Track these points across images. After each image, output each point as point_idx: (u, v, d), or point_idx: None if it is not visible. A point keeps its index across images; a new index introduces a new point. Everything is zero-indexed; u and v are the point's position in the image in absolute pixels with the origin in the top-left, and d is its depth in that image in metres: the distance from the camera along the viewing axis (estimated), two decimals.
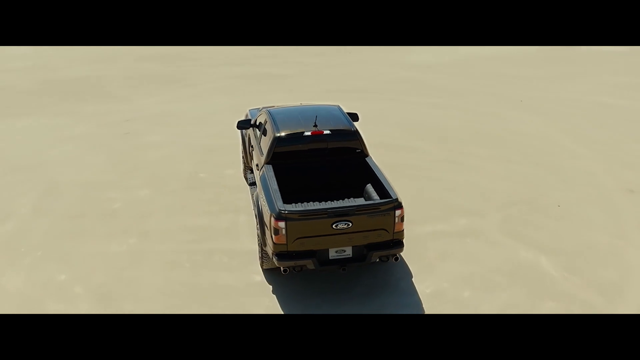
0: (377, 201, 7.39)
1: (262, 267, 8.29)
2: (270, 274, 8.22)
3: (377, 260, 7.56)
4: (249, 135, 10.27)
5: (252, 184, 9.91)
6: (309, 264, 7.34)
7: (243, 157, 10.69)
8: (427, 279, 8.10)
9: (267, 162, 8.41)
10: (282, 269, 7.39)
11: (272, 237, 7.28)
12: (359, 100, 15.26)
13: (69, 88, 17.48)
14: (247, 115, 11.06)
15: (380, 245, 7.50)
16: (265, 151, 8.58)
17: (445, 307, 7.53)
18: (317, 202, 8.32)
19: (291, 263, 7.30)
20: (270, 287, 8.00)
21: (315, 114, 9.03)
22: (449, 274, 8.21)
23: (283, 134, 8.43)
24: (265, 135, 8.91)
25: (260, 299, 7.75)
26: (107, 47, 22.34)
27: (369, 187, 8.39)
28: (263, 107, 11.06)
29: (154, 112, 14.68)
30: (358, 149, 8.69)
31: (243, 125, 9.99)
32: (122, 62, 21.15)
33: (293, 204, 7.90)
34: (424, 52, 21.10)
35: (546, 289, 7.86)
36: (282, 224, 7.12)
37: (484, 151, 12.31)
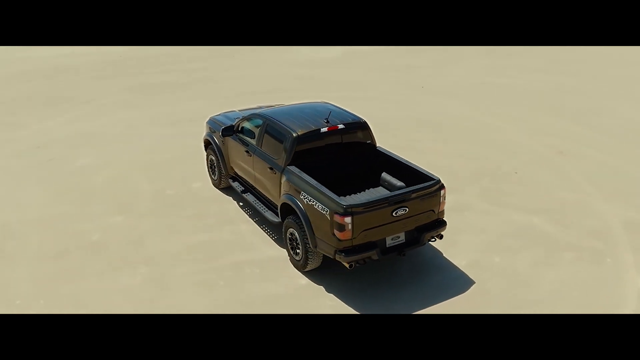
0: (427, 184, 7.68)
1: (302, 270, 8.15)
2: (313, 275, 8.11)
3: (427, 241, 7.88)
4: (226, 143, 9.86)
5: (245, 190, 9.59)
6: (373, 255, 7.43)
7: (220, 166, 10.22)
8: (456, 253, 8.61)
9: (288, 164, 8.24)
10: (348, 264, 7.37)
11: (335, 234, 7.22)
12: (284, 100, 15.24)
13: None
14: (208, 126, 10.58)
15: (428, 226, 7.84)
16: (281, 153, 8.38)
17: (486, 274, 8.12)
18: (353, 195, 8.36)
19: (357, 257, 7.33)
20: (322, 287, 7.91)
21: (312, 111, 9.04)
22: (471, 245, 8.81)
23: (300, 132, 8.32)
24: (272, 138, 8.68)
25: (320, 300, 7.65)
26: None
27: (386, 175, 8.65)
28: (232, 113, 10.71)
29: (66, 135, 13.24)
30: (369, 140, 8.89)
31: (228, 132, 9.59)
32: None
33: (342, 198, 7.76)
34: (303, 50, 21.47)
35: (555, 243, 8.82)
36: (348, 219, 7.12)
37: (425, 135, 13.17)
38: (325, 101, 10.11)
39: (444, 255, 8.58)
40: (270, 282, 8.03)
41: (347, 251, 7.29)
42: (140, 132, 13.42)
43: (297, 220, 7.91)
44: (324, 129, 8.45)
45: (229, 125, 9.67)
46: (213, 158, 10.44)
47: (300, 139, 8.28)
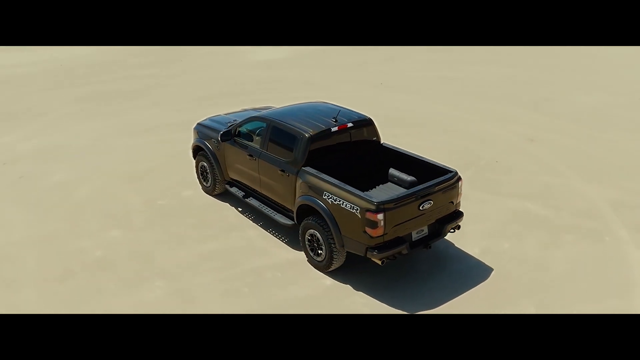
0: (448, 176, 7.88)
1: (324, 270, 8.14)
2: (335, 274, 8.14)
3: (448, 232, 8.09)
4: (223, 148, 9.66)
5: (247, 195, 9.44)
6: (403, 249, 7.55)
7: (214, 173, 10.00)
8: (466, 243, 8.88)
9: (303, 165, 8.20)
10: (380, 261, 7.44)
11: (367, 231, 7.28)
12: (248, 103, 15.08)
13: None
14: (197, 132, 10.33)
15: (448, 218, 8.05)
16: (292, 155, 8.32)
17: (500, 260, 8.44)
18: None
19: (389, 253, 7.43)
20: (348, 286, 7.96)
21: (315, 111, 9.05)
22: (478, 233, 9.11)
23: (313, 133, 8.30)
24: (280, 140, 8.59)
25: (352, 299, 7.71)
26: None
27: (394, 171, 8.78)
28: (219, 117, 10.51)
29: (30, 150, 12.48)
30: (374, 137, 8.99)
31: (226, 137, 9.40)
32: None
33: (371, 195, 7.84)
34: (246, 51, 21.18)
35: (554, 226, 9.30)
36: (380, 216, 7.20)
37: (399, 131, 13.37)
38: (324, 101, 10.11)
39: (456, 245, 8.83)
40: (295, 285, 7.98)
41: (379, 248, 7.37)
42: (109, 143, 12.87)
43: (319, 221, 7.90)
44: (334, 128, 8.47)
45: (226, 129, 9.48)
46: (205, 164, 10.20)
47: (313, 139, 8.27)
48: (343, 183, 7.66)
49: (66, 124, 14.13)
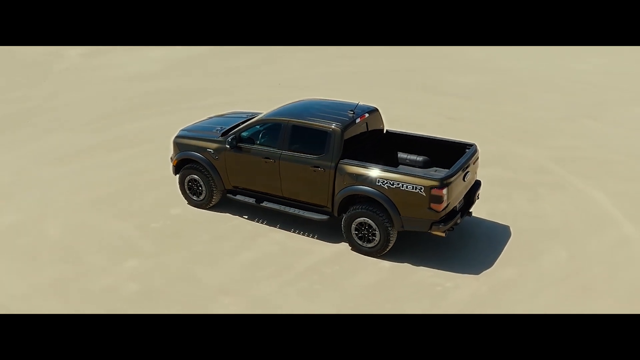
0: (474, 147, 8.72)
1: (378, 255, 8.48)
2: (386, 257, 8.50)
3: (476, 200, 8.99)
4: (224, 157, 9.34)
5: (260, 200, 9.28)
6: (458, 219, 8.31)
7: (210, 184, 9.60)
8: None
9: (340, 157, 8.41)
10: (444, 233, 8.04)
11: (433, 207, 7.83)
12: (162, 115, 14.37)
13: None
14: (178, 146, 9.82)
15: (474, 187, 8.93)
16: (324, 151, 8.46)
17: (507, 217, 9.59)
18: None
19: (450, 224, 8.11)
20: (407, 264, 8.42)
21: (322, 107, 9.28)
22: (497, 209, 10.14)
23: (342, 126, 8.53)
24: (305, 139, 8.67)
25: (420, 273, 8.20)
26: None
27: (403, 154, 9.43)
28: (195, 126, 10.09)
29: None
30: (382, 125, 9.50)
31: (233, 142, 9.12)
32: None
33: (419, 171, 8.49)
34: (111, 64, 19.74)
35: (525, 184, 10.73)
36: (445, 191, 7.81)
37: None
38: (312, 98, 10.27)
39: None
40: (359, 274, 8.20)
41: (445, 221, 7.97)
42: (36, 175, 11.35)
43: (370, 208, 8.20)
44: (358, 119, 8.81)
45: (232, 136, 9.18)
46: (197, 177, 9.72)
47: (345, 132, 8.50)
48: (396, 168, 8.08)
49: None
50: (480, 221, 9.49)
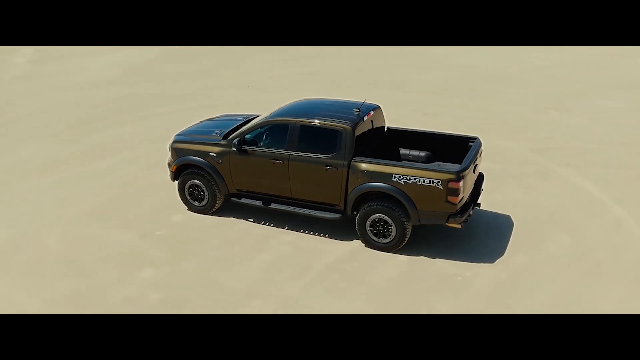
0: (479, 141, 8.99)
1: (394, 250, 8.62)
2: (401, 252, 8.64)
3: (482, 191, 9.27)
4: (228, 160, 9.24)
5: (267, 202, 9.23)
6: (471, 210, 8.55)
7: (213, 189, 9.47)
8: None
9: (352, 155, 8.49)
10: (460, 224, 8.26)
11: (450, 200, 8.04)
12: (136, 121, 14.01)
13: None
14: (176, 151, 9.64)
15: (479, 179, 9.22)
16: (335, 150, 8.52)
17: (505, 207, 9.93)
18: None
19: (465, 215, 8.33)
20: (425, 257, 8.59)
21: (325, 106, 9.36)
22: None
23: (353, 124, 8.61)
24: (315, 138, 8.70)
25: (439, 265, 8.39)
26: None
27: (405, 150, 9.60)
28: (191, 130, 9.94)
29: None
30: (384, 123, 9.64)
31: (239, 145, 9.03)
32: None
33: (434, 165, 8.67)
34: (68, 71, 19.01)
35: (514, 174, 11.15)
36: (461, 183, 8.02)
37: None
38: (310, 98, 10.29)
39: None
40: (379, 269, 8.32)
41: (461, 212, 8.19)
42: (14, 187, 10.84)
43: (385, 204, 8.32)
44: (365, 117, 8.90)
45: (238, 139, 9.08)
46: (199, 182, 9.56)
47: (355, 130, 8.58)
48: (410, 163, 8.23)
49: None
50: (482, 212, 9.78)
